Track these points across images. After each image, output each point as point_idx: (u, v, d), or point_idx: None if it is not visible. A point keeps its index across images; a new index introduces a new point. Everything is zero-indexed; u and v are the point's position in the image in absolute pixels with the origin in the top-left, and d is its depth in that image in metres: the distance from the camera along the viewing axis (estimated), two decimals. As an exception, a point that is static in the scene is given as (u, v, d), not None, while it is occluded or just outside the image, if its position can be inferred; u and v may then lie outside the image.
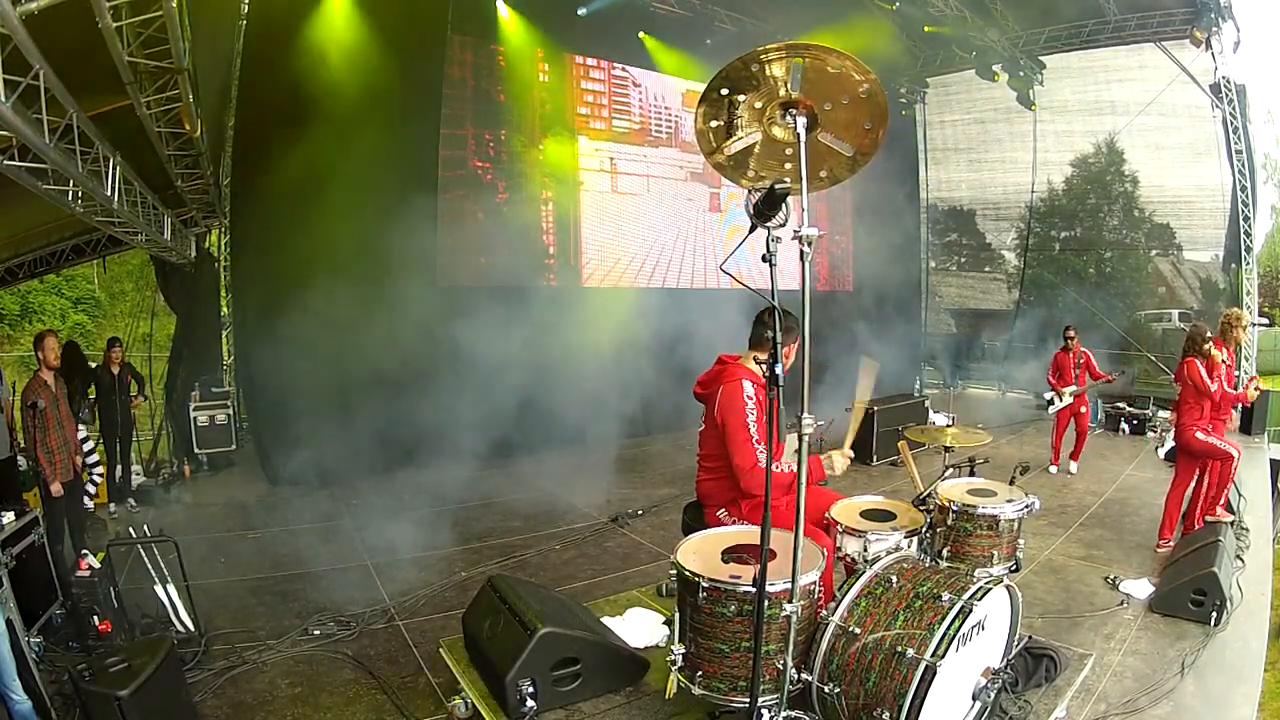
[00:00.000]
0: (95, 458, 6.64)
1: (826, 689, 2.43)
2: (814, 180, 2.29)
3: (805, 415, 2.19)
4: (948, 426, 4.66)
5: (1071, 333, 7.79)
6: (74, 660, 3.49)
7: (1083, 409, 7.77)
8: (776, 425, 2.14)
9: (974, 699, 2.52)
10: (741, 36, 10.55)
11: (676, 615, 2.54)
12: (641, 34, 10.03)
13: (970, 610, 2.36)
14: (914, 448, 4.09)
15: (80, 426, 6.43)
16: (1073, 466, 7.67)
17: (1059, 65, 11.68)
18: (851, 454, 3.13)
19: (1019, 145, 12.83)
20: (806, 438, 2.18)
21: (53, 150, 3.81)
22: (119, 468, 7.02)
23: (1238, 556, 4.83)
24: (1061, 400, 7.77)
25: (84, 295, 16.62)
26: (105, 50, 3.69)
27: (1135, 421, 9.86)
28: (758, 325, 3.14)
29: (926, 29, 11.17)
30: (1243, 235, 10.42)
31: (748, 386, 2.96)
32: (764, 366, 2.14)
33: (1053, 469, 7.72)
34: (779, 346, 2.09)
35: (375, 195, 7.37)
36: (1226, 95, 10.14)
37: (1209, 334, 5.28)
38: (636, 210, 10.32)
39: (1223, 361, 5.22)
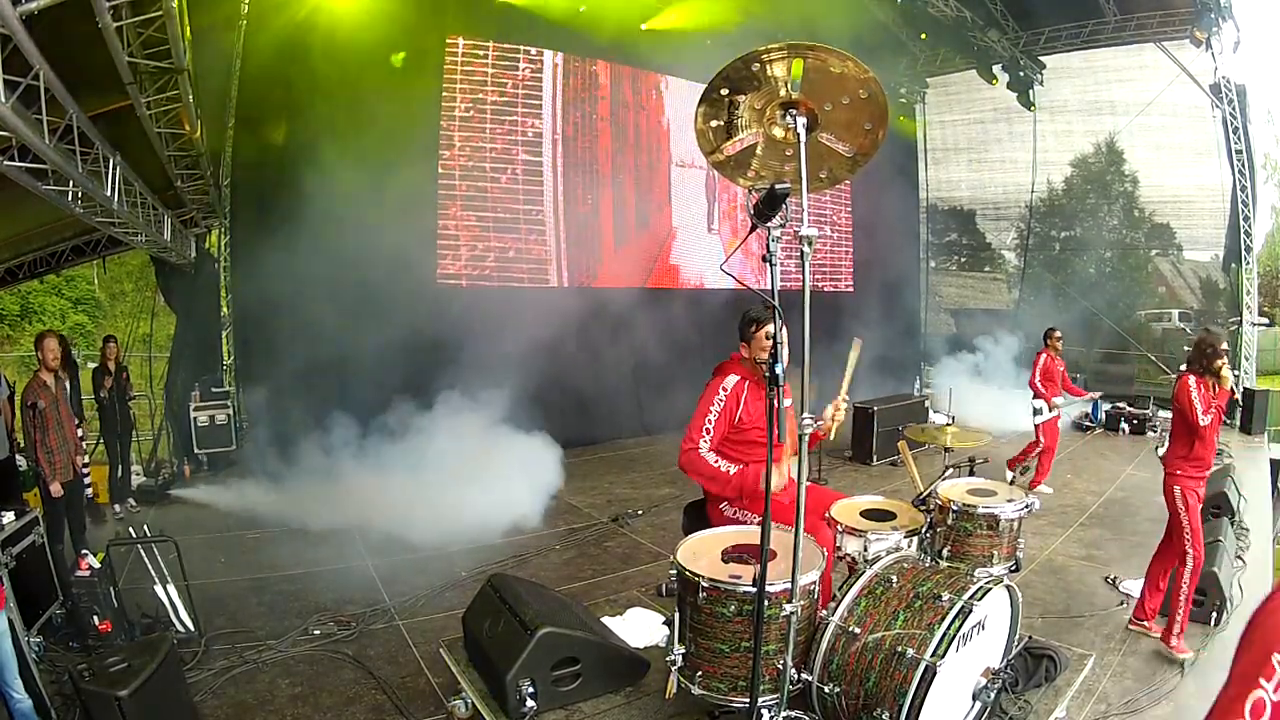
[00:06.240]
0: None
1: (826, 689, 2.43)
2: (814, 180, 2.29)
3: (805, 415, 2.19)
4: (947, 426, 4.68)
5: (1058, 335, 6.89)
6: (74, 660, 3.49)
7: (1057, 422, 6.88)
8: (776, 425, 2.13)
9: (974, 699, 2.52)
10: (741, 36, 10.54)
11: (676, 615, 2.54)
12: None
13: (970, 610, 2.36)
14: (914, 447, 4.10)
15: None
16: (1045, 488, 6.70)
17: (1059, 65, 11.69)
18: (847, 399, 3.14)
19: (1019, 145, 12.85)
20: (806, 437, 2.18)
21: (52, 150, 3.81)
22: (119, 468, 7.01)
23: (1238, 556, 4.84)
24: (1051, 411, 6.69)
25: (84, 295, 16.63)
26: (105, 50, 3.70)
27: (1135, 421, 9.85)
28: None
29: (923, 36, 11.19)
30: (1243, 235, 10.43)
31: (729, 380, 3.04)
32: (764, 366, 2.14)
33: (1046, 489, 6.69)
34: (780, 346, 2.09)
35: (376, 193, 7.38)
36: (1226, 95, 10.15)
37: (1224, 345, 3.88)
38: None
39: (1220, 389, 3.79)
